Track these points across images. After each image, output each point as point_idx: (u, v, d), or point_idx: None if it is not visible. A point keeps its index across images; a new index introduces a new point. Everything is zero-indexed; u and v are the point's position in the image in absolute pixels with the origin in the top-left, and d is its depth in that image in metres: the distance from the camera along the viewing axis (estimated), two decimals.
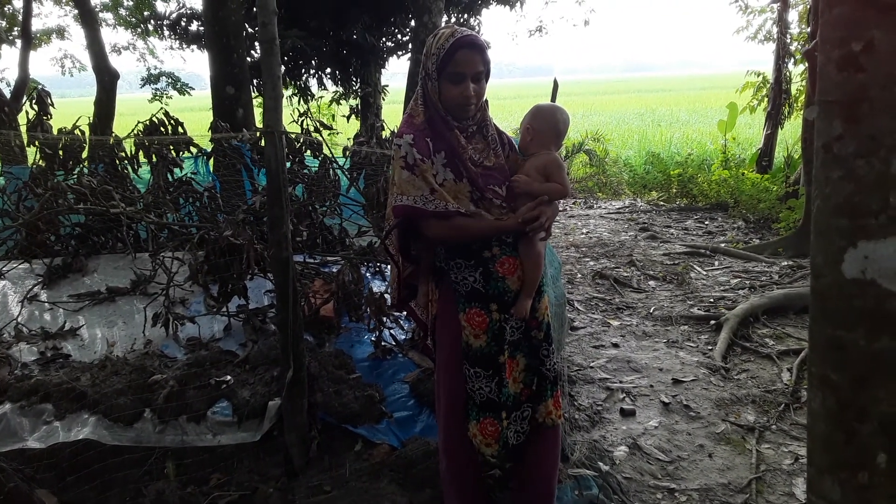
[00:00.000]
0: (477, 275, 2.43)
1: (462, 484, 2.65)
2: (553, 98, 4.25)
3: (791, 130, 13.20)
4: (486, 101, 2.52)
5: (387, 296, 4.13)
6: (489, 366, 2.45)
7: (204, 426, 3.18)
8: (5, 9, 12.82)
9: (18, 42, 11.21)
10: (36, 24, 13.36)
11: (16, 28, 11.81)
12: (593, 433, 3.71)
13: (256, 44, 9.88)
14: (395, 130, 2.58)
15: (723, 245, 8.06)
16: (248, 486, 3.05)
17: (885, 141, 1.35)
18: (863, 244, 1.40)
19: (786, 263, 6.92)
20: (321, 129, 6.54)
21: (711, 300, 5.92)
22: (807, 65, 8.34)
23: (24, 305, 4.19)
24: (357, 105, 12.53)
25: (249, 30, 9.62)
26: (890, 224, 1.37)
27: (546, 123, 2.60)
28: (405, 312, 4.17)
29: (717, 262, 7.27)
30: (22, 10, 11.22)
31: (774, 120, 11.15)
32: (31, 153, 5.78)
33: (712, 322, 5.27)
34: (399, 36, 11.97)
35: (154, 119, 5.69)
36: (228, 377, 3.36)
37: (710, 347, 4.86)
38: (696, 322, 5.40)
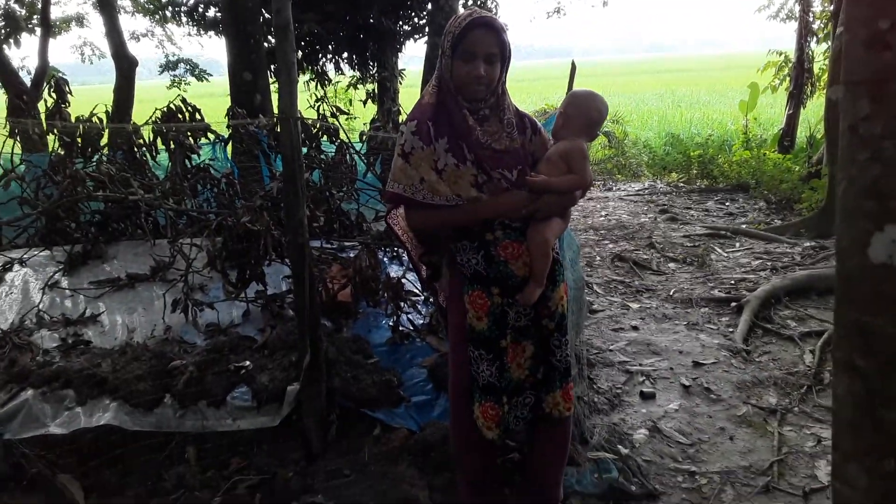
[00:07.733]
0: (479, 257, 2.42)
1: (469, 462, 2.64)
2: (571, 80, 4.18)
3: (813, 110, 13.01)
4: (504, 84, 2.48)
5: (404, 280, 4.13)
6: (490, 349, 2.45)
7: (223, 411, 3.20)
8: None
9: (38, 30, 11.25)
10: (55, 12, 13.35)
11: (35, 16, 11.81)
12: (613, 416, 3.69)
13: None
14: None
15: (744, 226, 7.97)
16: (268, 471, 3.07)
17: None
18: (890, 228, 1.36)
19: (808, 244, 6.83)
20: (338, 114, 6.51)
21: (732, 282, 5.86)
22: (829, 43, 8.19)
23: (45, 292, 4.22)
24: (374, 89, 12.49)
25: (266, 15, 9.60)
26: None
27: (578, 110, 2.50)
28: (423, 296, 4.19)
29: (737, 244, 7.19)
30: None
31: (797, 99, 11.00)
32: (50, 141, 5.81)
33: (733, 304, 5.22)
34: (416, 19, 11.88)
35: (171, 106, 5.69)
36: (247, 362, 3.37)
37: (731, 330, 4.81)
38: (716, 304, 5.35)
